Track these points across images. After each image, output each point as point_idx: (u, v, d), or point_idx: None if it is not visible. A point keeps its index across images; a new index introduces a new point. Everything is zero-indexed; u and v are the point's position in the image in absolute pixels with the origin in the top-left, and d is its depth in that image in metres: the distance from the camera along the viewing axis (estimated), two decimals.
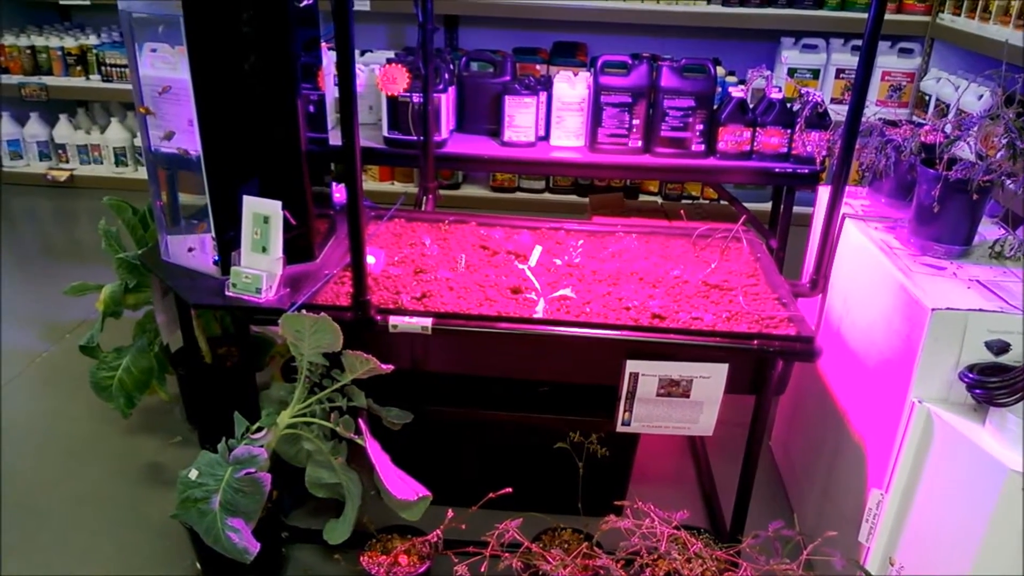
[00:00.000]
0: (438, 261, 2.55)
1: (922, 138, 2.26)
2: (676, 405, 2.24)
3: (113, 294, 2.67)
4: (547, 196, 4.51)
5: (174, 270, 2.44)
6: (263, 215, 2.19)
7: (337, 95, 1.90)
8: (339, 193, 2.82)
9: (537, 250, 2.57)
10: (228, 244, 2.29)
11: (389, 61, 2.91)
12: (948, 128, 2.15)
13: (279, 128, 2.27)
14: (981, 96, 3.91)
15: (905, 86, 4.81)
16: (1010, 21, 3.85)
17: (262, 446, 2.10)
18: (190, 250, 2.41)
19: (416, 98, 2.94)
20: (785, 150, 3.09)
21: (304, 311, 2.10)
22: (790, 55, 4.78)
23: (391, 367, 2.09)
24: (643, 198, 4.78)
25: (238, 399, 2.30)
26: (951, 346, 1.85)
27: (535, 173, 3.16)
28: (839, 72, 4.81)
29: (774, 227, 3.41)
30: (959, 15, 4.38)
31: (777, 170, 3.10)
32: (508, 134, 3.18)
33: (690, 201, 3.53)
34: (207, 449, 2.17)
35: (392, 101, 3.03)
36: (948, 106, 4.17)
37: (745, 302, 2.35)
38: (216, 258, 2.34)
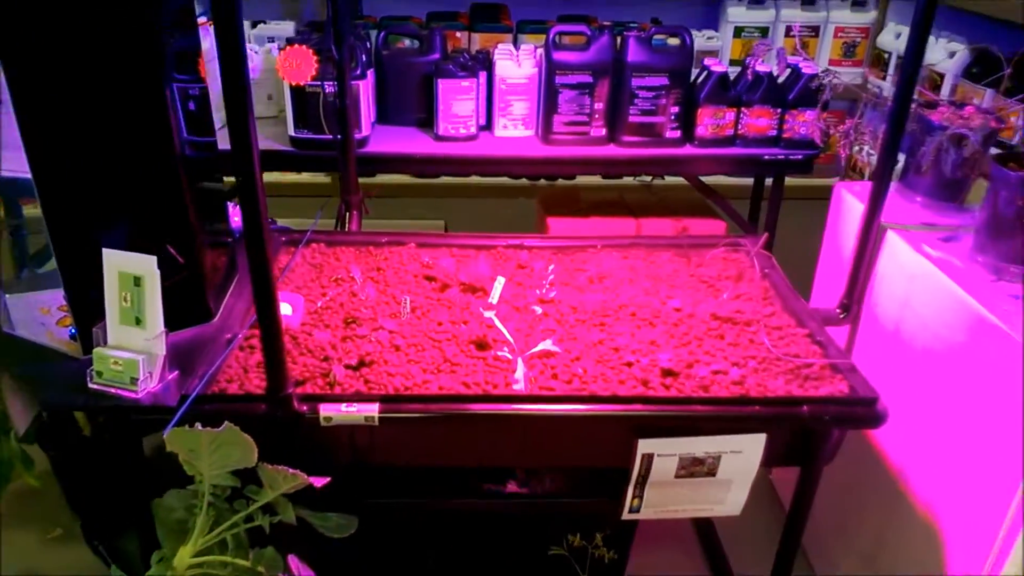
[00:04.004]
0: (375, 303, 1.97)
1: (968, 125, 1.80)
2: (699, 485, 1.76)
3: None
4: (478, 179, 3.92)
5: (19, 346, 1.79)
6: (132, 275, 1.57)
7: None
8: (236, 216, 2.19)
9: (499, 283, 2.02)
10: (88, 311, 1.66)
11: (290, 41, 2.28)
12: None
13: (144, 137, 1.64)
14: (953, 54, 3.51)
15: (860, 42, 4.39)
16: None
17: None
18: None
19: (329, 87, 2.31)
20: (775, 133, 2.60)
21: (204, 406, 1.50)
22: (736, 12, 4.29)
23: (325, 480, 1.53)
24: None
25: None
26: None
27: (479, 173, 2.60)
28: (788, 30, 4.35)
29: (754, 220, 2.94)
30: None
31: (766, 157, 2.61)
32: (443, 126, 2.59)
33: (647, 180, 3.04)
34: (92, 547, 1.75)
35: (298, 92, 2.39)
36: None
37: (771, 342, 1.87)
38: (72, 331, 1.71)
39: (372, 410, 1.58)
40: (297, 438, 1.63)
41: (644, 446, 1.67)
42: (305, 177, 3.84)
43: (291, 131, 2.47)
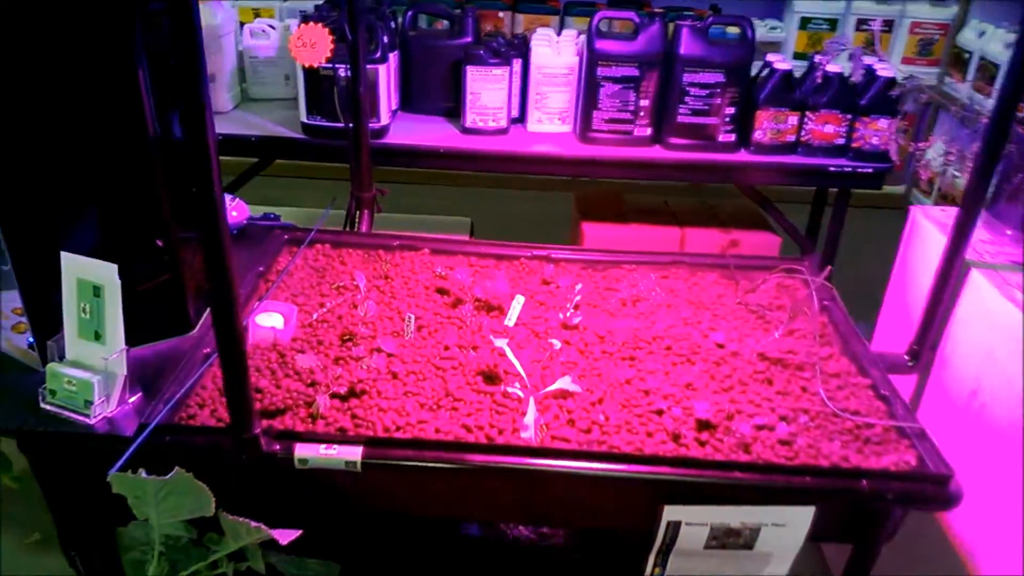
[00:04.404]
0: (376, 318, 1.75)
1: None
2: (732, 558, 1.52)
3: None
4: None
5: None
6: (92, 284, 1.36)
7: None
8: (235, 210, 1.98)
9: (518, 303, 1.78)
10: (47, 319, 1.46)
11: (306, 19, 2.06)
12: None
13: (110, 116, 1.42)
14: None
15: (937, 40, 4.04)
16: None
17: None
18: None
19: (345, 70, 2.08)
20: (843, 141, 2.31)
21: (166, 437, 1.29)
22: (804, 2, 3.96)
23: (296, 533, 1.31)
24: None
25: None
26: None
27: (507, 171, 2.36)
28: (860, 23, 4.01)
29: (813, 235, 2.66)
30: None
31: (831, 168, 2.33)
32: (471, 117, 2.35)
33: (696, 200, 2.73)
34: (68, 557, 1.62)
35: (311, 75, 2.17)
36: (998, 67, 3.44)
37: (827, 392, 1.61)
38: (31, 339, 1.51)
39: (355, 454, 1.36)
40: (271, 478, 1.41)
41: (671, 513, 1.43)
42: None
43: (303, 117, 2.25)
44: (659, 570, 1.54)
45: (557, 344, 1.62)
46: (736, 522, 1.45)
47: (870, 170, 2.33)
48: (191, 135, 1.01)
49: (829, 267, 1.71)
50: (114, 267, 1.32)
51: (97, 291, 1.35)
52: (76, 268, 1.37)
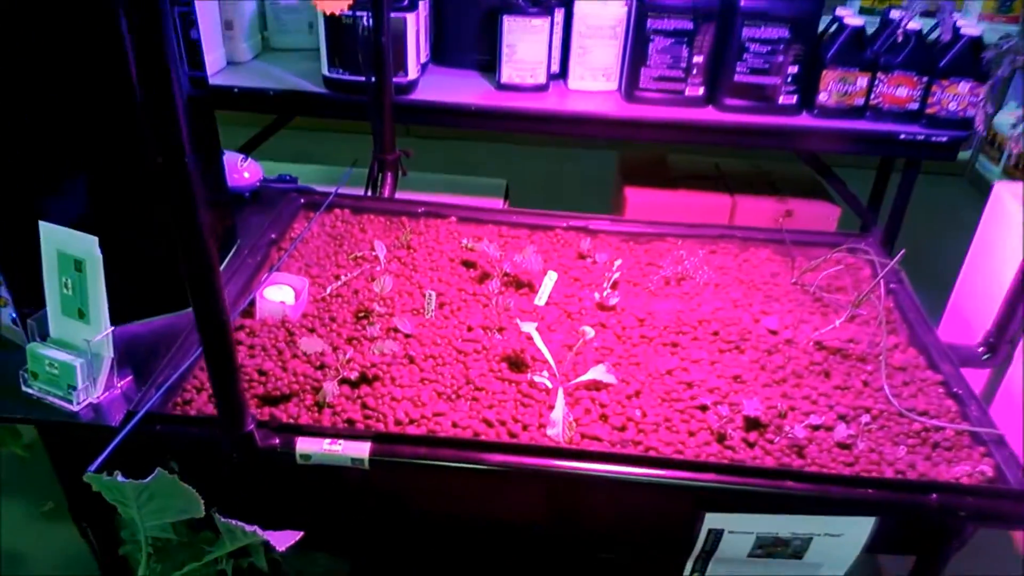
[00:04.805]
0: (394, 293, 1.61)
1: None
2: (778, 567, 1.36)
3: None
4: None
5: None
6: (73, 257, 1.23)
7: None
8: (247, 171, 1.84)
9: (550, 280, 1.62)
10: (30, 292, 1.33)
11: None
12: None
13: (91, 61, 1.27)
14: None
15: None
16: None
17: None
18: None
19: (367, 19, 1.91)
20: (916, 106, 2.10)
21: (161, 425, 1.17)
22: None
23: (296, 535, 1.18)
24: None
25: None
26: None
27: (545, 132, 2.18)
28: None
29: (876, 206, 2.45)
30: None
31: (902, 136, 2.11)
32: (507, 72, 2.18)
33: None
34: (80, 528, 1.50)
35: (332, 23, 2.00)
36: None
37: (892, 389, 1.43)
38: (13, 314, 1.39)
39: (362, 451, 1.22)
40: (271, 474, 1.29)
41: (712, 520, 1.29)
42: None
43: (324, 70, 2.09)
44: (697, 575, 1.40)
45: (590, 332, 1.46)
46: (786, 532, 1.30)
47: (944, 139, 2.11)
48: (151, 94, 0.85)
49: (903, 251, 1.51)
50: (94, 239, 1.19)
51: (79, 265, 1.22)
52: (56, 239, 1.24)
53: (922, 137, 2.11)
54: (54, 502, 2.16)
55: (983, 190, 3.16)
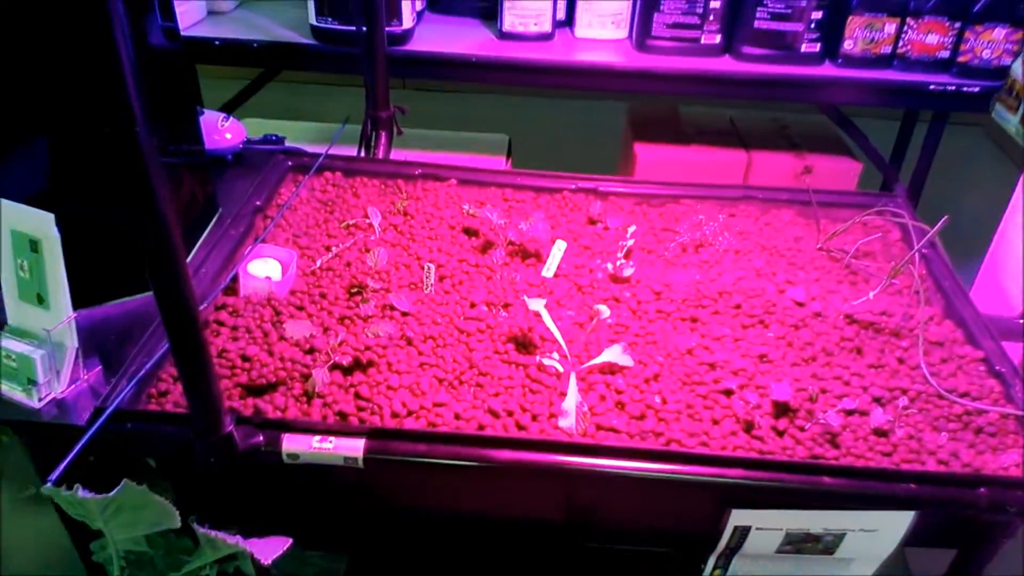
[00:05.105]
0: (390, 266, 1.48)
1: None
2: (807, 562, 1.27)
3: None
4: None
5: None
6: (29, 236, 1.10)
7: None
8: (229, 131, 1.70)
9: (558, 250, 1.50)
10: None
11: None
12: None
13: (41, 18, 1.13)
14: None
15: None
16: None
17: None
18: None
19: None
20: (947, 55, 1.95)
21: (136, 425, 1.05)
22: None
23: (286, 543, 1.08)
24: None
25: None
26: None
27: (550, 85, 2.03)
28: None
29: (898, 160, 2.31)
30: None
31: (932, 87, 1.97)
32: (509, 20, 2.02)
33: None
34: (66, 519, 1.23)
35: None
36: None
37: (930, 368, 1.32)
38: None
39: (355, 449, 1.11)
40: (254, 474, 1.18)
41: (739, 517, 1.18)
42: None
43: (312, 19, 1.93)
44: (720, 572, 1.30)
45: (605, 311, 1.34)
46: (817, 528, 1.20)
47: (976, 89, 1.96)
48: (94, 52, 0.72)
49: (946, 217, 1.39)
50: (51, 217, 1.06)
51: (35, 245, 1.09)
52: (10, 216, 1.11)
53: (953, 88, 1.96)
54: (35, 488, 2.07)
55: (1001, 142, 3.01)
